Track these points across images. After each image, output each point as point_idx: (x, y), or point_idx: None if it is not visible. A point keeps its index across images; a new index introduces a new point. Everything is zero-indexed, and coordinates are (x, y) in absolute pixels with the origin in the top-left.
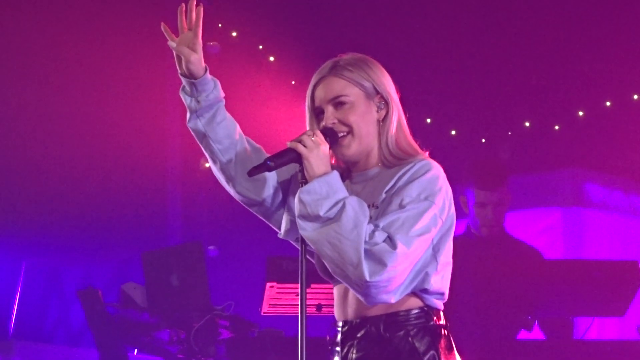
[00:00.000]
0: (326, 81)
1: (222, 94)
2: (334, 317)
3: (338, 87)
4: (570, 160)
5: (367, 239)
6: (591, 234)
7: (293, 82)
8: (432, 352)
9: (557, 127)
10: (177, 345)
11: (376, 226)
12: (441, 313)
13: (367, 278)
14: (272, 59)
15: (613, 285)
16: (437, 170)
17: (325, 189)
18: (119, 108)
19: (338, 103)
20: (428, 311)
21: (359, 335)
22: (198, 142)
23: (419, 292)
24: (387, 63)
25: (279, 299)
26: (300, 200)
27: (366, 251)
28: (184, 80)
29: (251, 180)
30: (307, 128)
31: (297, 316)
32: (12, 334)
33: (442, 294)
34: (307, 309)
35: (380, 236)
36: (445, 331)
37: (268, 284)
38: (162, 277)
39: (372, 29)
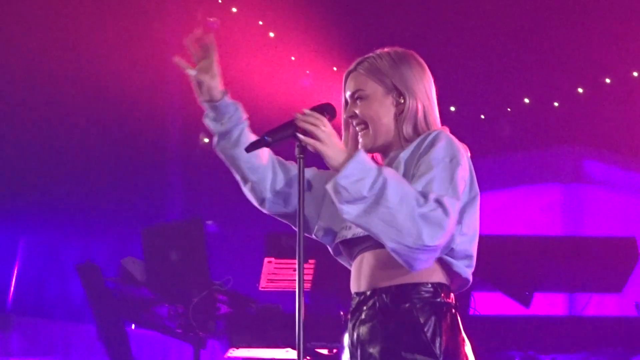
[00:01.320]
0: (351, 75)
1: (245, 116)
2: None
3: (358, 82)
4: (570, 137)
5: (417, 204)
6: (590, 210)
7: (293, 58)
8: (434, 326)
9: (556, 104)
10: (175, 320)
11: (417, 191)
12: (452, 293)
13: (430, 243)
14: (272, 34)
15: (611, 262)
16: (452, 137)
17: (359, 169)
18: (118, 87)
19: (357, 97)
20: (437, 287)
21: (367, 306)
22: (228, 166)
23: (446, 256)
24: (386, 41)
25: (277, 274)
26: (340, 187)
27: (422, 217)
28: (206, 106)
29: (280, 195)
30: (342, 119)
31: (294, 291)
32: (10, 308)
33: (470, 257)
34: (305, 284)
35: (430, 199)
36: (453, 310)
37: (266, 259)
38: (161, 253)
39: (373, 7)
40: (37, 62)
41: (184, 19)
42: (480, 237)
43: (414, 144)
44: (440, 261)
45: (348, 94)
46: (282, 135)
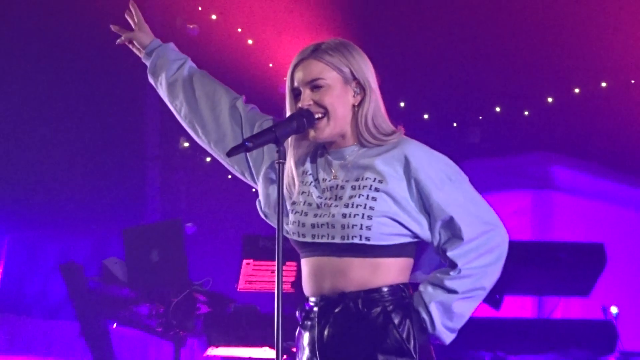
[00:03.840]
0: (306, 63)
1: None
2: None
3: (316, 69)
4: (539, 145)
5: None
6: (559, 216)
7: (271, 65)
8: (406, 324)
9: (526, 113)
10: (156, 319)
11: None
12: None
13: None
14: (250, 41)
15: (579, 267)
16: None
17: None
18: (98, 90)
19: (315, 85)
20: (404, 288)
21: (336, 310)
22: (170, 103)
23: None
24: (363, 48)
25: (254, 275)
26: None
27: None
28: (144, 58)
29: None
30: (287, 106)
31: (272, 293)
32: None
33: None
34: (283, 286)
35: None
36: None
37: (244, 261)
38: (142, 253)
39: (349, 14)
40: (25, 66)
41: (165, 25)
42: None
43: (385, 149)
44: (407, 262)
45: (302, 81)
46: (262, 141)
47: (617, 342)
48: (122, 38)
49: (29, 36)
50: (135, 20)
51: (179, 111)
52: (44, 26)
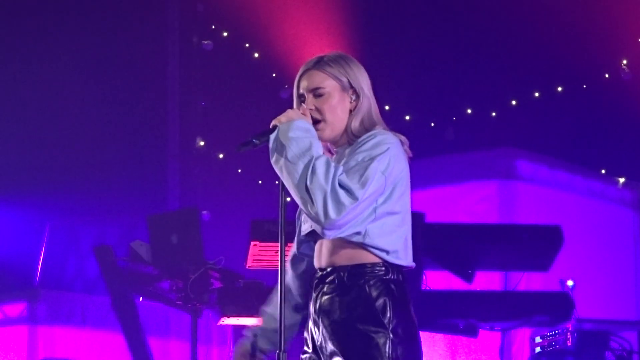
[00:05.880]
0: (309, 73)
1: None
2: None
3: (318, 79)
4: (505, 141)
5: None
6: (522, 203)
7: (274, 75)
8: (384, 299)
9: (494, 114)
10: (176, 294)
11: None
12: (401, 273)
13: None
14: (256, 55)
15: (540, 246)
16: (384, 137)
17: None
18: (130, 95)
19: (317, 94)
20: (388, 267)
21: (328, 280)
22: None
23: (364, 244)
24: (358, 59)
25: (261, 255)
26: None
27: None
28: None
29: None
30: None
31: (276, 270)
32: (37, 283)
33: (386, 251)
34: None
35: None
36: (402, 286)
37: (252, 243)
38: (164, 237)
39: (343, 28)
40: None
41: (183, 41)
42: (431, 225)
43: (358, 142)
44: (392, 239)
45: (306, 89)
46: (267, 137)
47: (573, 310)
48: None
49: (70, 34)
50: None
51: None
52: (87, 28)
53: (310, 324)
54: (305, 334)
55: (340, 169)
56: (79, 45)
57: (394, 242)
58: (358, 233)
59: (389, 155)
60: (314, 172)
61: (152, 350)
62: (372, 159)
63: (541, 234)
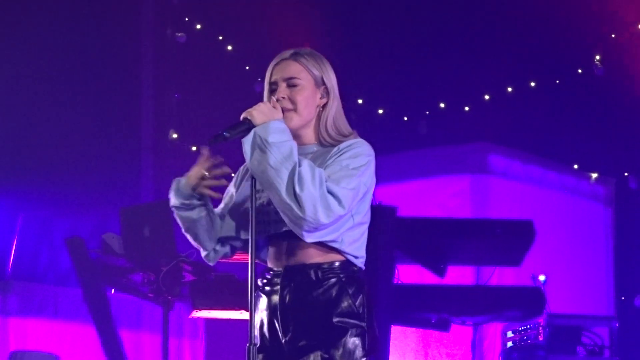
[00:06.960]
0: (286, 62)
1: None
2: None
3: (294, 69)
4: (477, 136)
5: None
6: (494, 197)
7: (247, 68)
8: (359, 295)
9: (467, 108)
10: (148, 286)
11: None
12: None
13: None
14: (229, 47)
15: (511, 240)
16: (365, 148)
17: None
18: (101, 87)
19: (291, 84)
20: (354, 263)
21: (297, 278)
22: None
23: (338, 249)
24: (328, 53)
25: None
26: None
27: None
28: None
29: (224, 246)
30: (264, 99)
31: (247, 263)
32: (9, 274)
33: (354, 256)
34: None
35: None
36: (366, 286)
37: None
38: (136, 229)
39: (316, 22)
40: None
41: (157, 33)
42: (403, 219)
43: (335, 149)
44: (355, 237)
45: (281, 77)
46: (238, 131)
47: (544, 305)
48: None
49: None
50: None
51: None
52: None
53: (265, 319)
54: (257, 331)
55: (324, 173)
56: (51, 36)
57: (360, 249)
58: (334, 240)
59: (369, 168)
60: (301, 179)
61: (123, 343)
62: (356, 169)
63: (513, 229)
